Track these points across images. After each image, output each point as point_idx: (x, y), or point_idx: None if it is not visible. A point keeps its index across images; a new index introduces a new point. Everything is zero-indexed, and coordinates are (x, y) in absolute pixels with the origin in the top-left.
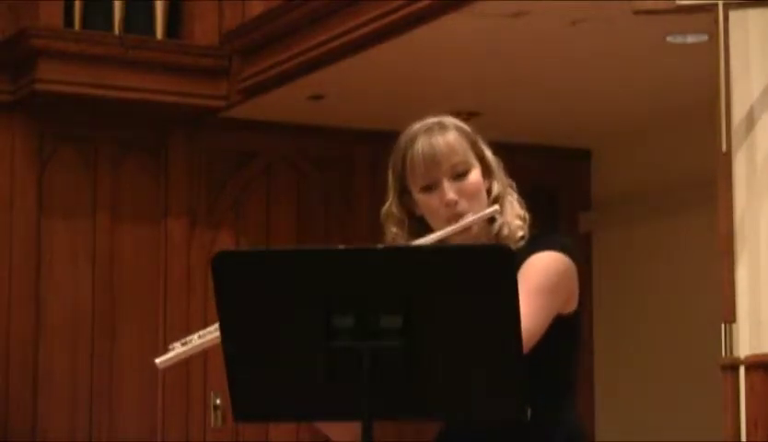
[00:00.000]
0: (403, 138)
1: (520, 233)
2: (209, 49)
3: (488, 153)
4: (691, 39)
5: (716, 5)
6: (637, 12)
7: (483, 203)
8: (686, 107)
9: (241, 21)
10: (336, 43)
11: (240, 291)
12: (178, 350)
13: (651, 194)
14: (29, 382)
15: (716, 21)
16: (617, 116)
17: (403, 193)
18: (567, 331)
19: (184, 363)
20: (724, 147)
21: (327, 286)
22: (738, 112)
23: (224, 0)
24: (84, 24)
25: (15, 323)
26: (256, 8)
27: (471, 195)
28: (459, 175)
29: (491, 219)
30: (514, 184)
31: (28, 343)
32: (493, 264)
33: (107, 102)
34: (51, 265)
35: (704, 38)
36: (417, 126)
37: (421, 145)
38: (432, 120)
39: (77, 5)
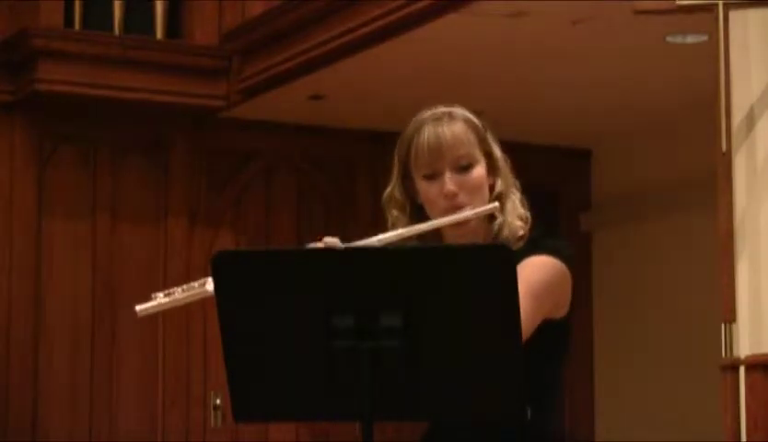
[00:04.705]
0: (412, 124)
1: (521, 232)
2: (209, 49)
3: (496, 149)
4: (691, 39)
5: (716, 5)
6: (637, 12)
7: (485, 198)
8: (686, 107)
9: (241, 21)
10: (336, 43)
11: (240, 291)
12: (160, 300)
13: (651, 194)
14: (29, 382)
15: (716, 21)
16: (617, 116)
17: (406, 179)
18: (556, 334)
19: (184, 363)
20: (724, 147)
21: (327, 286)
22: (738, 112)
23: (224, 0)
24: (84, 24)
25: (15, 323)
26: (256, 8)
27: (471, 189)
28: (463, 168)
29: (491, 217)
30: (518, 184)
31: (28, 343)
32: (493, 264)
33: (107, 102)
34: (51, 265)
35: (704, 38)
36: (427, 114)
37: (427, 133)
38: (442, 109)
39: (77, 5)
